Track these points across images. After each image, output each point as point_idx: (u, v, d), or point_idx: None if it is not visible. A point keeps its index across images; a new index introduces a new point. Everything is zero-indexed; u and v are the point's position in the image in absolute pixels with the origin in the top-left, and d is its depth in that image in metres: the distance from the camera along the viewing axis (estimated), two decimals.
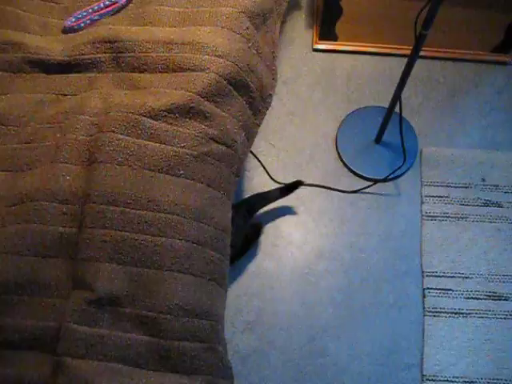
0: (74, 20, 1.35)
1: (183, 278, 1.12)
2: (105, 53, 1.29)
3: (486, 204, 1.91)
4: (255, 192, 1.85)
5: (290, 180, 1.91)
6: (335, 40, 2.15)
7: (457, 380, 1.68)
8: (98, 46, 1.29)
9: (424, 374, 1.69)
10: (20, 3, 1.39)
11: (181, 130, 1.19)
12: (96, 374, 1.05)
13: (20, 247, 1.12)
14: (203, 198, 1.19)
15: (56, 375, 1.05)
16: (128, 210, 1.12)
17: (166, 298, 1.09)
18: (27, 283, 1.11)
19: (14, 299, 1.11)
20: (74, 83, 1.30)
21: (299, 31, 2.24)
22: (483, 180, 1.94)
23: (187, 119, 1.20)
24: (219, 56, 1.24)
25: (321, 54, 2.19)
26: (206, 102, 1.21)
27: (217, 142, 1.23)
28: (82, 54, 1.30)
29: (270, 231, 1.89)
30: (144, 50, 1.26)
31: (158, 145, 1.17)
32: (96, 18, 1.35)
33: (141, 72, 1.26)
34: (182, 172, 1.17)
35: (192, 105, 1.19)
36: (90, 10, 1.36)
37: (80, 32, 1.35)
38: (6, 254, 1.12)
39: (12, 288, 1.11)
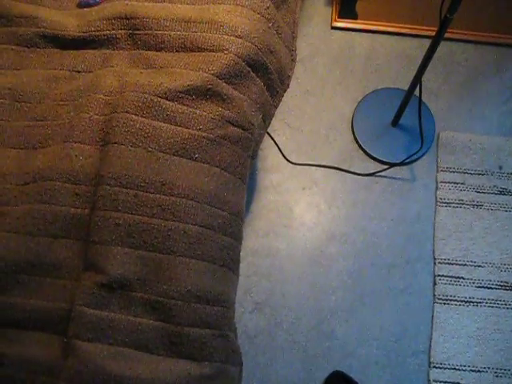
0: None
1: (195, 263, 1.11)
2: (121, 29, 1.26)
3: (502, 192, 1.88)
4: (267, 172, 1.83)
5: (303, 160, 1.88)
6: (355, 18, 2.10)
7: (464, 368, 1.68)
8: (114, 22, 1.26)
9: (431, 361, 1.69)
10: None
11: (197, 112, 1.16)
12: (105, 357, 1.04)
13: (31, 227, 1.11)
14: (218, 183, 1.16)
15: (65, 357, 1.05)
16: (141, 193, 1.10)
17: (178, 284, 1.08)
18: (38, 263, 1.11)
19: (24, 279, 1.11)
20: (89, 60, 1.27)
21: (318, 8, 2.18)
22: (500, 168, 1.91)
23: (204, 101, 1.17)
24: (238, 36, 1.20)
25: (339, 32, 2.14)
26: (223, 84, 1.18)
27: (234, 124, 1.20)
28: (98, 30, 1.26)
29: (282, 212, 1.87)
30: (161, 27, 1.23)
31: (173, 127, 1.14)
32: None
33: (157, 50, 1.23)
34: (197, 155, 1.14)
35: (209, 86, 1.16)
36: None
37: (96, 7, 1.31)
38: (17, 234, 1.11)
39: (23, 268, 1.11)
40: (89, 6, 1.32)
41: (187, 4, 1.27)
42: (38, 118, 1.22)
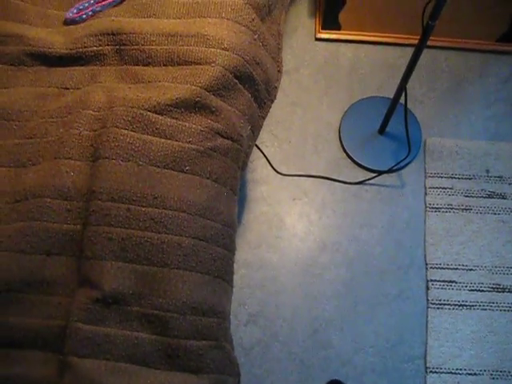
0: (75, 11, 1.32)
1: (190, 275, 1.11)
2: (108, 45, 1.26)
3: (490, 196, 1.90)
4: (257, 183, 1.84)
5: (292, 171, 1.90)
6: (338, 29, 2.12)
7: (460, 372, 1.69)
8: (101, 38, 1.26)
9: (428, 366, 1.69)
10: None
11: (186, 124, 1.17)
12: (102, 373, 1.04)
13: (24, 245, 1.10)
14: (209, 194, 1.17)
15: (62, 375, 1.04)
16: (133, 207, 1.10)
17: (173, 297, 1.08)
18: (32, 281, 1.10)
19: (18, 297, 1.10)
20: (77, 76, 1.27)
21: (302, 20, 2.21)
22: (487, 171, 1.93)
23: (193, 114, 1.18)
24: (225, 49, 1.21)
25: (324, 43, 2.16)
26: (211, 96, 1.19)
27: (223, 136, 1.21)
28: (85, 47, 1.27)
29: (273, 223, 1.88)
30: (148, 42, 1.24)
31: (163, 140, 1.15)
32: (98, 9, 1.32)
33: (145, 65, 1.24)
34: (187, 168, 1.15)
35: (198, 99, 1.17)
36: (92, 1, 1.33)
37: (82, 24, 1.31)
38: (9, 252, 1.10)
39: (16, 286, 1.09)
40: (75, 23, 1.32)
41: (173, 18, 1.28)
42: (27, 135, 1.22)
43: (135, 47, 1.24)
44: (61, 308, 1.09)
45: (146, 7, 1.30)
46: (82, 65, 1.28)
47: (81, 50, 1.27)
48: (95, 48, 1.27)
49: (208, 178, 1.17)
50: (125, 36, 1.25)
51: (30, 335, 1.08)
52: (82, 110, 1.20)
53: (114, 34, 1.26)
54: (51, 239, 1.11)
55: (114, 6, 1.34)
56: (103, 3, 1.33)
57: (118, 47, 1.26)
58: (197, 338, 1.10)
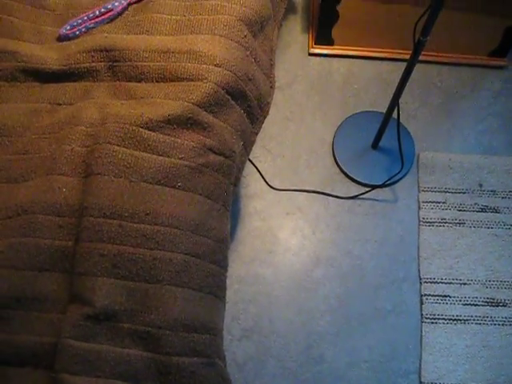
0: (68, 28, 1.33)
1: (182, 292, 1.10)
2: (100, 62, 1.27)
3: (484, 210, 1.90)
4: (250, 198, 1.84)
5: (286, 186, 1.90)
6: (331, 44, 2.14)
7: None
8: (94, 54, 1.27)
9: (422, 381, 1.68)
10: (13, 11, 1.36)
11: (178, 141, 1.17)
12: None
13: (15, 261, 1.10)
14: (201, 210, 1.17)
15: None
16: (125, 223, 1.10)
17: (165, 313, 1.08)
18: (23, 298, 1.09)
19: (9, 314, 1.09)
20: (70, 92, 1.28)
21: (295, 35, 2.22)
22: (480, 185, 1.94)
23: (185, 130, 1.18)
24: (217, 65, 1.22)
25: (317, 58, 2.17)
26: (203, 113, 1.20)
27: (215, 152, 1.21)
28: (78, 63, 1.27)
29: (266, 238, 1.88)
30: (140, 58, 1.24)
31: (155, 156, 1.15)
32: (91, 25, 1.33)
33: (137, 81, 1.25)
34: (179, 184, 1.15)
35: (190, 115, 1.18)
36: (86, 18, 1.34)
37: (75, 40, 1.32)
38: (0, 268, 1.10)
39: (7, 302, 1.09)
40: (68, 39, 1.33)
41: (165, 35, 1.28)
42: (19, 151, 1.22)
43: (128, 63, 1.25)
44: (52, 325, 1.09)
45: (138, 24, 1.31)
46: (74, 81, 1.29)
47: (74, 66, 1.28)
48: (88, 64, 1.27)
49: (200, 194, 1.18)
50: (118, 52, 1.25)
51: (20, 352, 1.08)
52: (74, 126, 1.20)
53: (106, 51, 1.26)
54: (43, 255, 1.11)
55: (108, 22, 1.35)
56: (96, 20, 1.33)
57: (110, 63, 1.26)
58: (189, 354, 1.09)
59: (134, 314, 1.08)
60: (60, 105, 1.28)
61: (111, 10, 1.34)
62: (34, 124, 1.25)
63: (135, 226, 1.10)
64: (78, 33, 1.33)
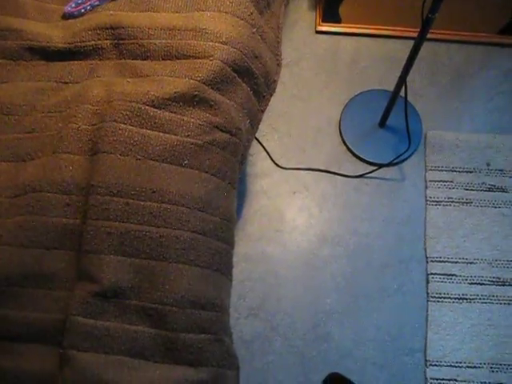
0: (73, 6, 1.32)
1: (189, 269, 1.11)
2: (106, 39, 1.26)
3: (491, 189, 1.89)
4: (257, 177, 1.84)
5: (293, 165, 1.90)
6: (339, 22, 2.12)
7: (460, 365, 1.69)
8: (99, 32, 1.26)
9: (428, 359, 1.70)
10: None
11: (185, 118, 1.17)
12: (102, 366, 1.04)
13: (23, 239, 1.11)
14: (208, 188, 1.17)
15: (61, 368, 1.05)
16: (132, 201, 1.10)
17: (172, 290, 1.08)
18: (31, 275, 1.10)
19: (18, 291, 1.10)
20: (75, 71, 1.27)
21: (302, 13, 2.20)
22: (488, 164, 1.93)
23: (191, 108, 1.18)
24: (223, 42, 1.21)
25: (324, 36, 2.15)
26: (210, 90, 1.19)
27: (221, 130, 1.21)
28: (83, 41, 1.27)
29: (273, 216, 1.88)
30: (146, 36, 1.23)
31: (161, 134, 1.15)
32: (96, 3, 1.32)
33: (143, 59, 1.24)
34: (186, 162, 1.15)
35: (196, 93, 1.17)
36: None
37: (80, 18, 1.31)
38: (9, 246, 1.11)
39: (16, 280, 1.10)
40: (73, 17, 1.32)
41: (171, 12, 1.27)
42: (26, 130, 1.22)
43: (133, 41, 1.24)
44: (60, 302, 1.10)
45: (144, 1, 1.30)
46: (80, 59, 1.28)
47: (79, 44, 1.27)
48: (94, 42, 1.27)
49: (207, 172, 1.17)
50: (123, 30, 1.25)
51: (29, 329, 1.09)
52: (80, 104, 1.20)
53: (112, 28, 1.26)
54: (50, 233, 1.11)
55: (112, 0, 1.33)
56: None
57: (116, 41, 1.26)
58: (196, 331, 1.10)
59: (141, 291, 1.09)
60: (66, 83, 1.27)
61: None
62: (40, 102, 1.25)
63: (142, 203, 1.10)
64: (83, 11, 1.32)
